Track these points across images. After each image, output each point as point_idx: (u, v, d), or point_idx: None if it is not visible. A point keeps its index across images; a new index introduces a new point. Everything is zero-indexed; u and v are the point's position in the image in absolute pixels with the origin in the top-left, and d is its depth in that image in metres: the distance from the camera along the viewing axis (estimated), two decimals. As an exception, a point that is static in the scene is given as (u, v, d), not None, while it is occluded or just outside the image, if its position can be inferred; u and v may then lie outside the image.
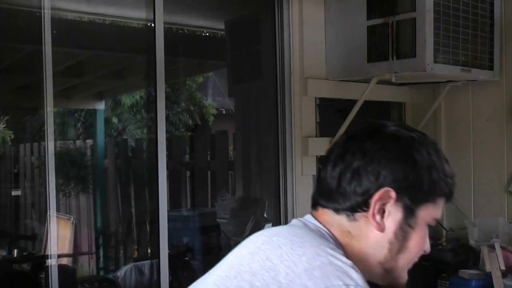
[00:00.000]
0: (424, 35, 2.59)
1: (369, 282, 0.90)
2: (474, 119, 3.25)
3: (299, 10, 2.98)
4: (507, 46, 3.07)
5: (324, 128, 3.08)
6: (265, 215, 3.21)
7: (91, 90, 5.54)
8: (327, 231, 0.97)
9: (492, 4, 2.95)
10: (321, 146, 3.02)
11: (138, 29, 3.30)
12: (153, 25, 2.68)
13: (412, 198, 0.96)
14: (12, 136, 3.83)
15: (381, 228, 0.95)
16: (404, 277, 1.01)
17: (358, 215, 0.96)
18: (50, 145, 2.44)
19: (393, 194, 0.94)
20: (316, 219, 1.00)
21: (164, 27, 2.67)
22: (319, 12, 3.03)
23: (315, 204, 1.02)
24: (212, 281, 0.94)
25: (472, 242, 2.89)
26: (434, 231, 3.31)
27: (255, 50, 3.32)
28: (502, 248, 2.72)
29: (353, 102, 2.94)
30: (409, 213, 0.96)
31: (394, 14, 2.70)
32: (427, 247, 1.01)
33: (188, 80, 7.16)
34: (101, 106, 5.51)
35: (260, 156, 3.31)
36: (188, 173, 5.40)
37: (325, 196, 1.00)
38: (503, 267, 2.62)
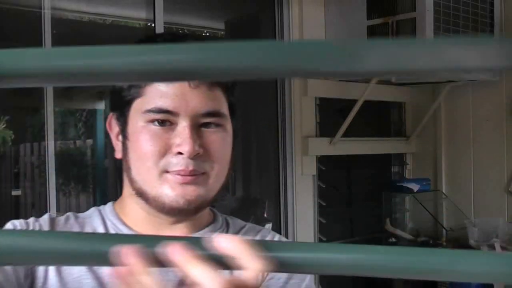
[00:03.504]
0: (424, 35, 2.59)
1: None
2: (474, 119, 3.25)
3: (299, 10, 2.98)
4: (507, 46, 3.07)
5: (324, 128, 3.09)
6: (265, 215, 3.21)
7: (91, 90, 5.53)
8: None
9: (492, 4, 2.95)
10: (321, 146, 3.02)
11: (138, 29, 3.30)
12: (153, 25, 2.69)
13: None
14: (13, 136, 3.82)
15: None
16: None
17: None
18: (50, 145, 2.45)
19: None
20: None
21: (164, 27, 2.68)
22: (319, 12, 3.03)
23: None
24: None
25: (472, 242, 2.89)
26: (434, 231, 3.32)
27: (255, 50, 3.32)
28: (502, 248, 2.72)
29: (353, 102, 2.94)
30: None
31: (394, 14, 2.70)
32: None
33: (188, 80, 7.15)
34: (101, 106, 5.49)
35: (260, 156, 3.31)
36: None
37: None
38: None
